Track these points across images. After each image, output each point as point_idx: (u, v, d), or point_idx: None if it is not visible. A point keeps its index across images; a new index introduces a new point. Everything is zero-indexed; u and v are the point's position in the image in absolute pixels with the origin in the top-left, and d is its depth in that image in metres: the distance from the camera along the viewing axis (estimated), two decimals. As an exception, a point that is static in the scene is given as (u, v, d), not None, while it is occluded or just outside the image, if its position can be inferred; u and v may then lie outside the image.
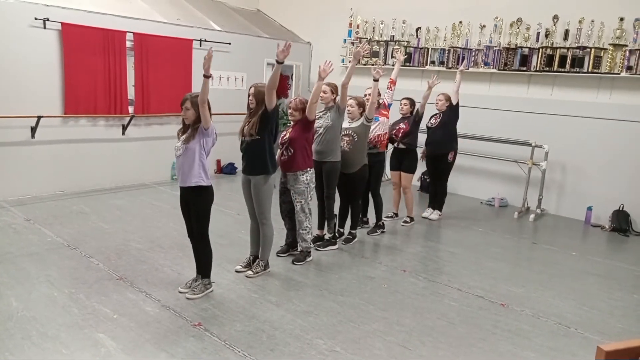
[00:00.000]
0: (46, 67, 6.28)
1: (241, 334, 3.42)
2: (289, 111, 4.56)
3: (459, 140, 6.71)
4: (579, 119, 6.87)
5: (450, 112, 6.35)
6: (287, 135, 4.56)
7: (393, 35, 8.53)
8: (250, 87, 4.19)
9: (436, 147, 6.35)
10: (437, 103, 6.47)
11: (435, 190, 6.70)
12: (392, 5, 8.55)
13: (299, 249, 4.79)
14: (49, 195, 6.48)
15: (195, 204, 3.83)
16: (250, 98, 4.16)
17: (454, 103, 6.34)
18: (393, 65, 8.46)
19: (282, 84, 10.33)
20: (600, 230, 6.58)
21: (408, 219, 6.27)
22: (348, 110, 5.17)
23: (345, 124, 5.22)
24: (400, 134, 6.04)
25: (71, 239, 4.98)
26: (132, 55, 7.02)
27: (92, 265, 4.41)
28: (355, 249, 5.27)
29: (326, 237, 5.22)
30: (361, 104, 5.22)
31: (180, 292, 3.95)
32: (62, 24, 6.27)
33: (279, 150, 4.69)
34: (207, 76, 3.71)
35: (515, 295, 4.32)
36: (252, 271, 4.37)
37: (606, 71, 6.52)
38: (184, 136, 3.81)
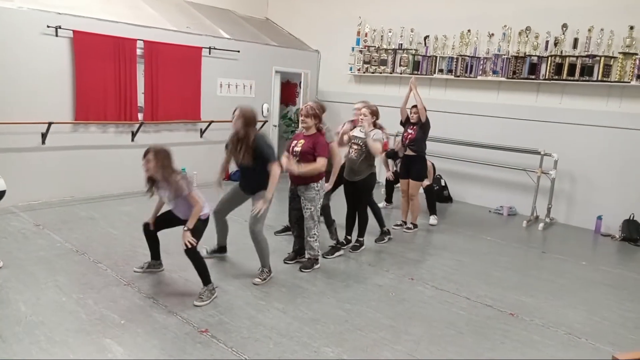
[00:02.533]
0: (57, 74, 6.36)
1: (248, 340, 3.40)
2: (301, 118, 4.55)
3: (467, 148, 6.69)
4: (589, 128, 6.82)
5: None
6: (298, 147, 4.50)
7: (401, 44, 8.55)
8: (236, 109, 4.21)
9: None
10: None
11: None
12: (400, 14, 8.57)
13: (307, 256, 4.78)
14: (59, 200, 6.53)
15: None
16: (233, 120, 4.19)
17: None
18: (401, 74, 8.52)
19: (291, 92, 10.38)
20: (610, 239, 6.51)
21: (412, 226, 6.26)
22: (361, 119, 5.19)
23: (356, 132, 5.23)
24: (407, 140, 6.07)
25: (80, 245, 5.00)
26: (142, 63, 7.09)
27: (100, 270, 4.43)
28: (363, 256, 5.25)
29: (329, 244, 5.21)
30: (374, 113, 5.20)
31: (135, 271, 4.32)
32: (74, 31, 6.35)
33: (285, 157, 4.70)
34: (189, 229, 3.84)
35: (524, 305, 4.28)
36: (259, 278, 4.36)
37: (616, 80, 6.48)
38: (166, 194, 3.95)
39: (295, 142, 4.58)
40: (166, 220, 4.20)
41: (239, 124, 4.14)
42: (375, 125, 5.22)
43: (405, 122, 6.19)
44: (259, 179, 4.22)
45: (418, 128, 6.05)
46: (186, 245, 3.80)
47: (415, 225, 6.29)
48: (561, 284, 4.83)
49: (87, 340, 3.30)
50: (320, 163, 4.41)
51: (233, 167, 8.52)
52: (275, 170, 4.15)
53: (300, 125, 4.60)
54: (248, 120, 4.14)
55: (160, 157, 3.79)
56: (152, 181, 3.94)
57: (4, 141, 6.00)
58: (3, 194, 4.33)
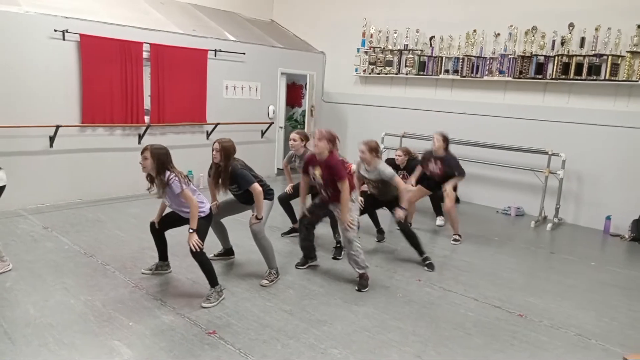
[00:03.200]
0: (65, 78, 6.40)
1: (255, 342, 3.40)
2: (314, 142, 4.38)
3: (474, 148, 6.68)
4: (596, 127, 6.78)
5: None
6: (319, 177, 4.42)
7: (407, 44, 8.54)
8: (215, 142, 4.25)
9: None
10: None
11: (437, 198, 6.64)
12: (406, 15, 8.56)
13: (356, 273, 4.46)
14: (66, 203, 6.57)
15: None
16: (214, 153, 4.24)
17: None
18: (406, 74, 8.51)
19: (297, 93, 10.40)
20: (619, 239, 6.45)
21: (458, 237, 5.97)
22: (360, 157, 4.92)
23: (362, 172, 5.06)
24: (438, 177, 5.93)
25: (87, 247, 5.03)
26: (149, 66, 7.13)
27: (108, 272, 4.45)
28: (370, 258, 5.23)
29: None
30: (373, 149, 4.85)
31: (143, 273, 4.39)
32: (81, 35, 6.39)
33: (300, 181, 4.71)
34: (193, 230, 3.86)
35: (533, 306, 4.25)
36: (267, 280, 4.36)
37: (624, 79, 6.43)
38: (158, 191, 3.94)
39: (311, 168, 4.49)
40: (171, 220, 4.22)
41: (219, 157, 4.21)
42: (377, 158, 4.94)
43: (423, 162, 6.03)
44: (248, 196, 4.35)
45: (442, 164, 5.83)
46: (192, 248, 3.80)
47: (459, 236, 6.00)
48: (570, 285, 4.80)
49: (96, 342, 3.31)
50: (345, 188, 4.28)
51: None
52: (256, 191, 4.21)
53: (314, 150, 4.43)
54: (227, 153, 4.21)
55: (156, 155, 3.81)
56: (151, 179, 3.96)
57: (12, 144, 6.05)
58: (2, 189, 4.23)
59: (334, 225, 5.28)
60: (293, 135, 5.38)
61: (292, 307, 3.97)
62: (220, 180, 4.30)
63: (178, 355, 3.20)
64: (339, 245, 5.19)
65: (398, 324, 3.78)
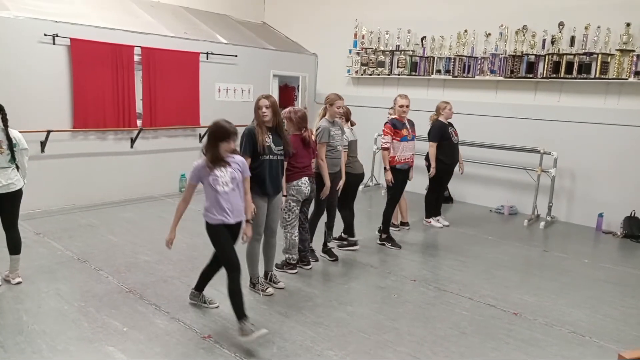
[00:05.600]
0: (55, 82, 6.36)
1: (251, 345, 3.39)
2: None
3: (466, 148, 6.81)
4: (588, 125, 6.82)
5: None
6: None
7: (398, 45, 8.56)
8: (264, 99, 3.97)
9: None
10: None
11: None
12: (397, 15, 8.58)
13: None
14: (59, 209, 6.52)
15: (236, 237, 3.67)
16: (263, 110, 3.95)
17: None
18: (399, 75, 8.53)
19: (289, 95, 10.39)
20: (611, 237, 6.49)
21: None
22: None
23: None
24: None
25: (80, 253, 4.99)
26: (140, 69, 7.10)
27: (102, 278, 4.42)
28: (364, 258, 5.23)
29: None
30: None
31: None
32: (71, 39, 6.36)
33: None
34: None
35: (527, 304, 4.27)
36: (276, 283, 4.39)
37: (614, 77, 6.48)
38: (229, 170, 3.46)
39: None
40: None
41: (269, 114, 3.97)
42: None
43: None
44: (281, 173, 4.21)
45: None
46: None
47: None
48: (564, 282, 4.82)
49: (90, 348, 3.29)
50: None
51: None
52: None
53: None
54: (276, 108, 4.04)
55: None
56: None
57: (3, 150, 5.99)
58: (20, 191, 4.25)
59: (329, 227, 5.25)
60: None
61: (287, 309, 3.96)
62: (277, 130, 4.06)
63: (173, 360, 3.19)
64: (329, 244, 5.19)
65: (393, 325, 3.79)
